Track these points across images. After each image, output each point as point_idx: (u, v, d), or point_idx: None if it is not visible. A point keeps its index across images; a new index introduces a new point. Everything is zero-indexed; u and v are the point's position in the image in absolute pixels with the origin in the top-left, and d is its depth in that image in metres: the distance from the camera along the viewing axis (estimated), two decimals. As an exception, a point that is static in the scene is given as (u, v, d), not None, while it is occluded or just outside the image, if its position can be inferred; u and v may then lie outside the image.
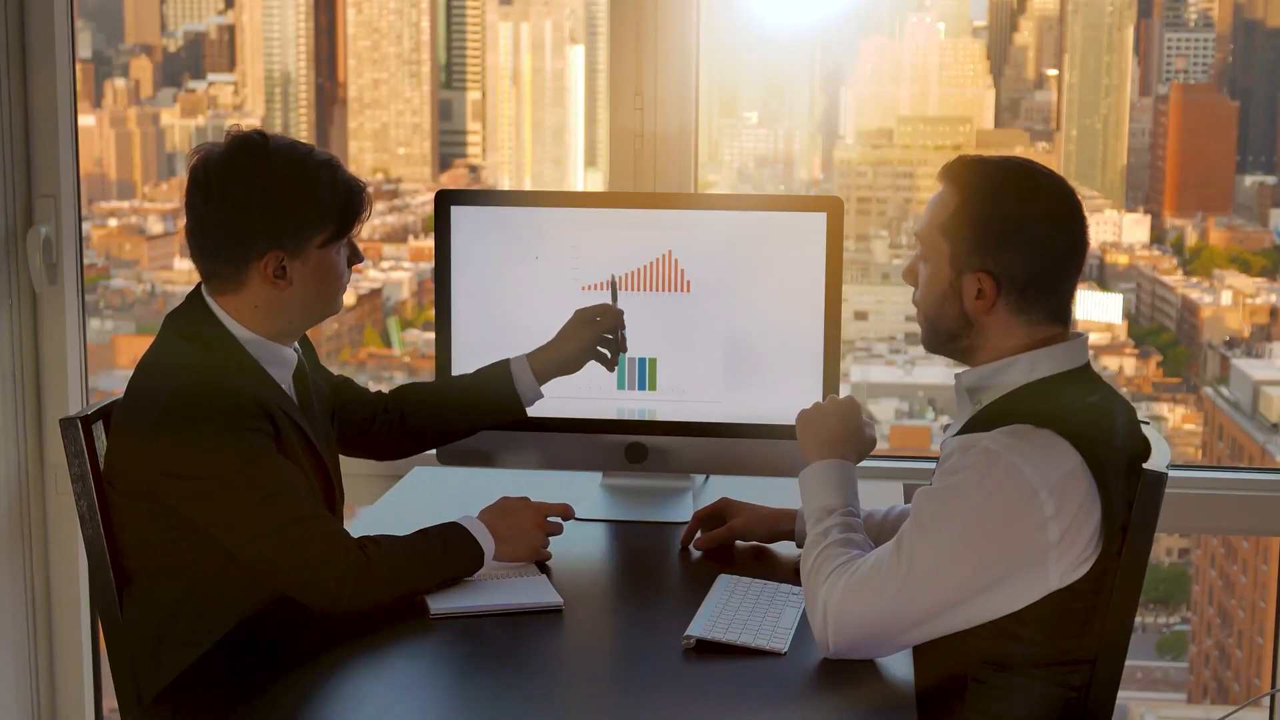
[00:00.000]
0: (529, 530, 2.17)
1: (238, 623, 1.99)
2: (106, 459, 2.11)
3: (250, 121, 2.04)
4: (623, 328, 2.39)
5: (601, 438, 2.56)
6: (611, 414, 2.56)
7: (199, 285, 2.13)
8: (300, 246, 2.07)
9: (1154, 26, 6.35)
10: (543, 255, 2.53)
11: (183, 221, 2.10)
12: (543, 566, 2.18)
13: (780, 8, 5.13)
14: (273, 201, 2.04)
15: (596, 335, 2.40)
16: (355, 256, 2.17)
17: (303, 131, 7.10)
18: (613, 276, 2.44)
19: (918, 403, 6.55)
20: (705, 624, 1.92)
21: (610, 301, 2.41)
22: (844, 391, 2.34)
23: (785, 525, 2.29)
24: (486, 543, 2.11)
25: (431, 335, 2.59)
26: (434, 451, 2.59)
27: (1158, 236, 6.48)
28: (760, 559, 2.27)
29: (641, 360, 2.54)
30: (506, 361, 2.41)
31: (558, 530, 2.22)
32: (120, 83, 7.06)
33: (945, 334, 1.93)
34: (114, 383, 4.05)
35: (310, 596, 1.98)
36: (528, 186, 6.98)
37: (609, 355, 2.41)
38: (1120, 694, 1.88)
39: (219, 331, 2.08)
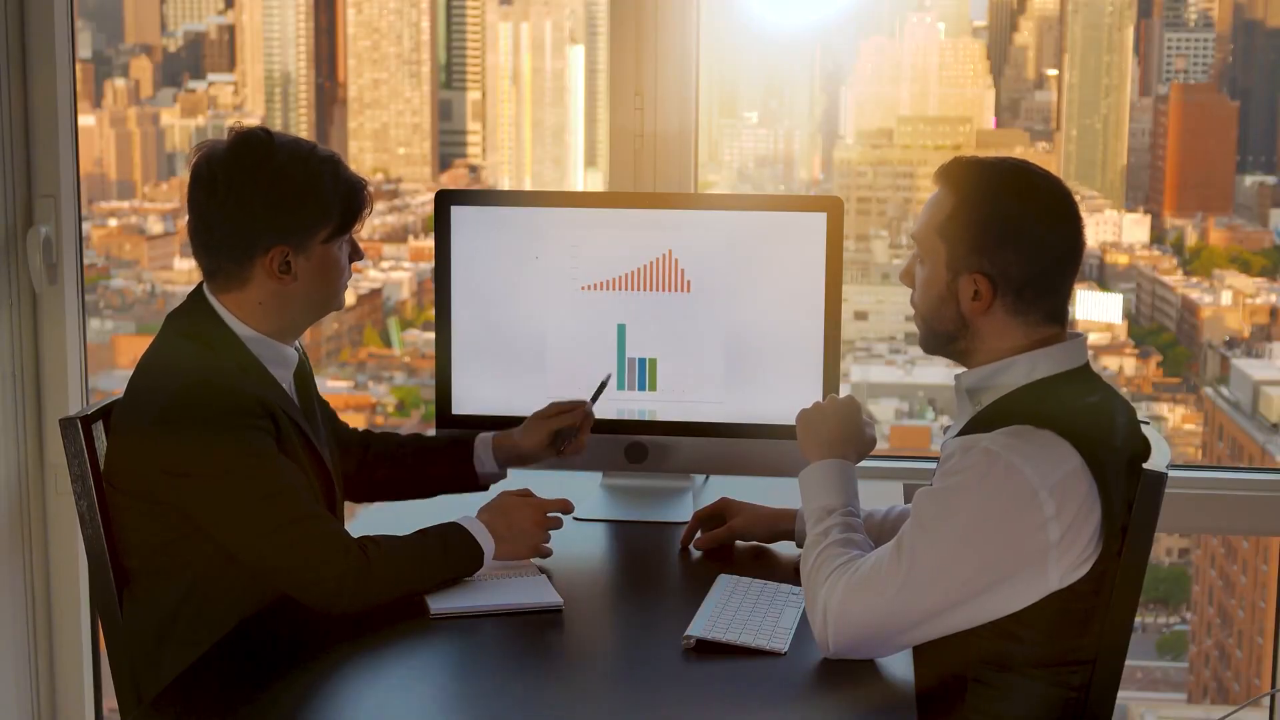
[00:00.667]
0: (529, 529, 2.17)
1: (238, 623, 1.99)
2: (107, 458, 2.11)
3: (250, 121, 2.05)
4: (584, 431, 2.39)
5: (601, 438, 2.56)
6: (611, 414, 2.56)
7: (200, 285, 2.13)
8: (304, 241, 2.07)
9: (1154, 26, 6.35)
10: (543, 255, 2.53)
11: (183, 221, 2.10)
12: (543, 565, 2.18)
13: (780, 8, 5.13)
14: (277, 197, 2.04)
15: (553, 433, 2.39)
16: (356, 254, 2.18)
17: (303, 131, 7.10)
18: (607, 376, 2.42)
19: (918, 403, 6.56)
20: (705, 624, 1.92)
21: (590, 398, 2.39)
22: (844, 391, 2.33)
23: (785, 525, 2.29)
24: (486, 542, 2.11)
25: (431, 335, 2.59)
26: (434, 451, 2.59)
27: (1158, 236, 6.48)
28: (760, 559, 2.27)
29: (641, 360, 2.54)
30: (472, 439, 2.39)
31: (558, 525, 2.22)
32: (120, 83, 7.07)
33: (942, 335, 1.93)
34: (114, 383, 4.06)
35: (310, 596, 1.98)
36: (528, 186, 6.98)
37: (561, 449, 2.40)
38: (1120, 694, 1.88)
39: (221, 330, 2.08)
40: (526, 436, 2.39)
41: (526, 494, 2.25)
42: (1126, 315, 6.37)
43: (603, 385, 2.41)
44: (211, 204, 2.05)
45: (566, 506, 2.25)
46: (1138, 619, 2.03)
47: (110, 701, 3.14)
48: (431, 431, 2.56)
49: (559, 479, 2.63)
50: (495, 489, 2.38)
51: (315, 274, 2.10)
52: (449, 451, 2.41)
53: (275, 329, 2.11)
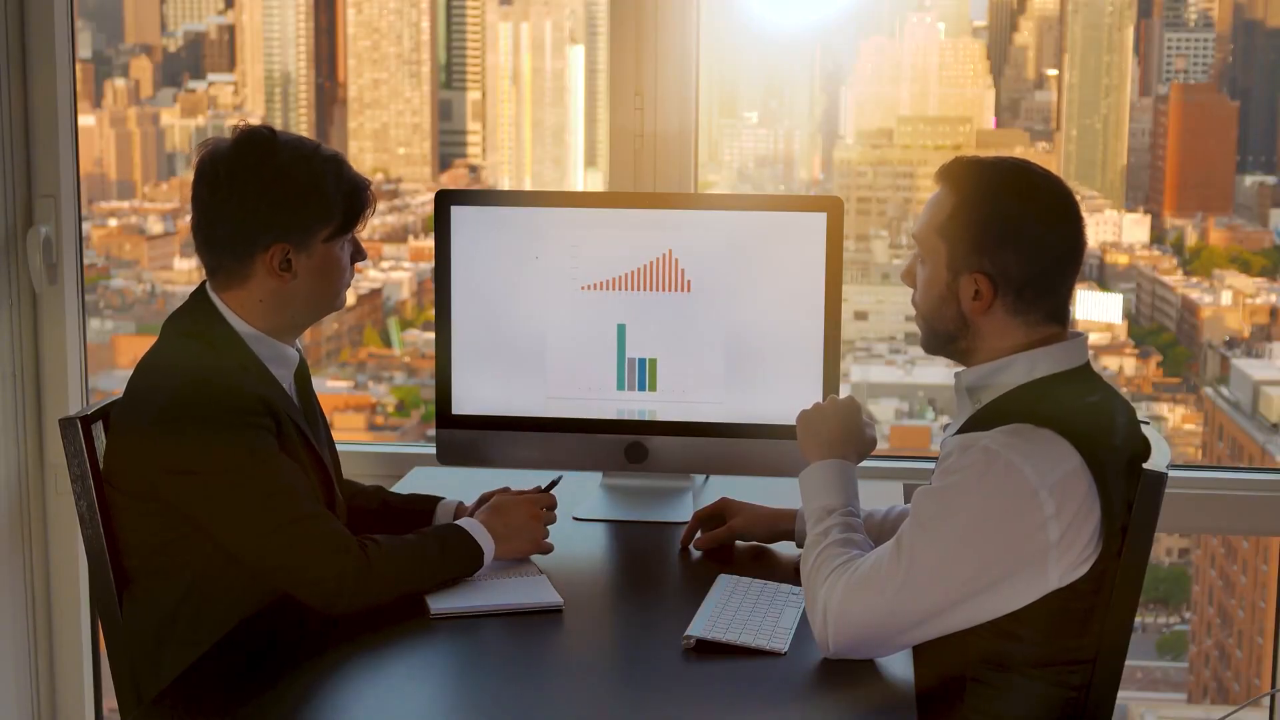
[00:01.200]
0: (527, 524, 2.17)
1: (238, 623, 1.99)
2: (106, 458, 2.11)
3: (252, 121, 2.04)
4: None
5: (601, 438, 2.56)
6: (611, 414, 2.56)
7: (202, 284, 2.13)
8: (306, 240, 2.08)
9: (1154, 26, 6.35)
10: (543, 255, 2.53)
11: (183, 221, 2.11)
12: (543, 565, 2.18)
13: (780, 8, 5.13)
14: (280, 194, 2.05)
15: None
16: (359, 254, 2.18)
17: (303, 131, 7.09)
18: (559, 477, 2.36)
19: (918, 403, 6.55)
20: (705, 624, 1.92)
21: (543, 487, 2.32)
22: (844, 391, 2.34)
23: (785, 525, 2.29)
24: (485, 542, 2.11)
25: (431, 335, 2.60)
26: (434, 451, 2.59)
27: (1158, 236, 6.48)
28: (760, 559, 2.27)
29: (641, 360, 2.54)
30: (433, 507, 2.36)
31: (552, 520, 2.23)
32: (120, 83, 7.07)
33: (943, 335, 1.93)
34: (114, 383, 4.05)
35: (310, 596, 1.98)
36: (528, 186, 6.98)
37: None
38: (1120, 694, 1.88)
39: (223, 328, 2.08)
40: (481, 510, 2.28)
41: (520, 495, 2.25)
42: (1126, 315, 6.37)
43: (553, 483, 2.34)
44: (215, 200, 2.06)
45: (550, 500, 2.25)
46: (1138, 619, 2.03)
47: (110, 701, 3.14)
48: (431, 433, 2.56)
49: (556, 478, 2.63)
50: (476, 489, 2.38)
51: (316, 273, 2.10)
52: (408, 516, 2.35)
53: (276, 327, 2.11)
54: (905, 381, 6.53)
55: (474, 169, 7.26)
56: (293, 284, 2.09)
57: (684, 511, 2.48)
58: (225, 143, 2.08)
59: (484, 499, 2.32)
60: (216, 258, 2.09)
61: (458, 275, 2.54)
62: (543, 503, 2.23)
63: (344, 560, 1.96)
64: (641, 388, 2.55)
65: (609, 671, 1.90)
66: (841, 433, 2.03)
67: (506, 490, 2.30)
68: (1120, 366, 6.25)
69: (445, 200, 2.55)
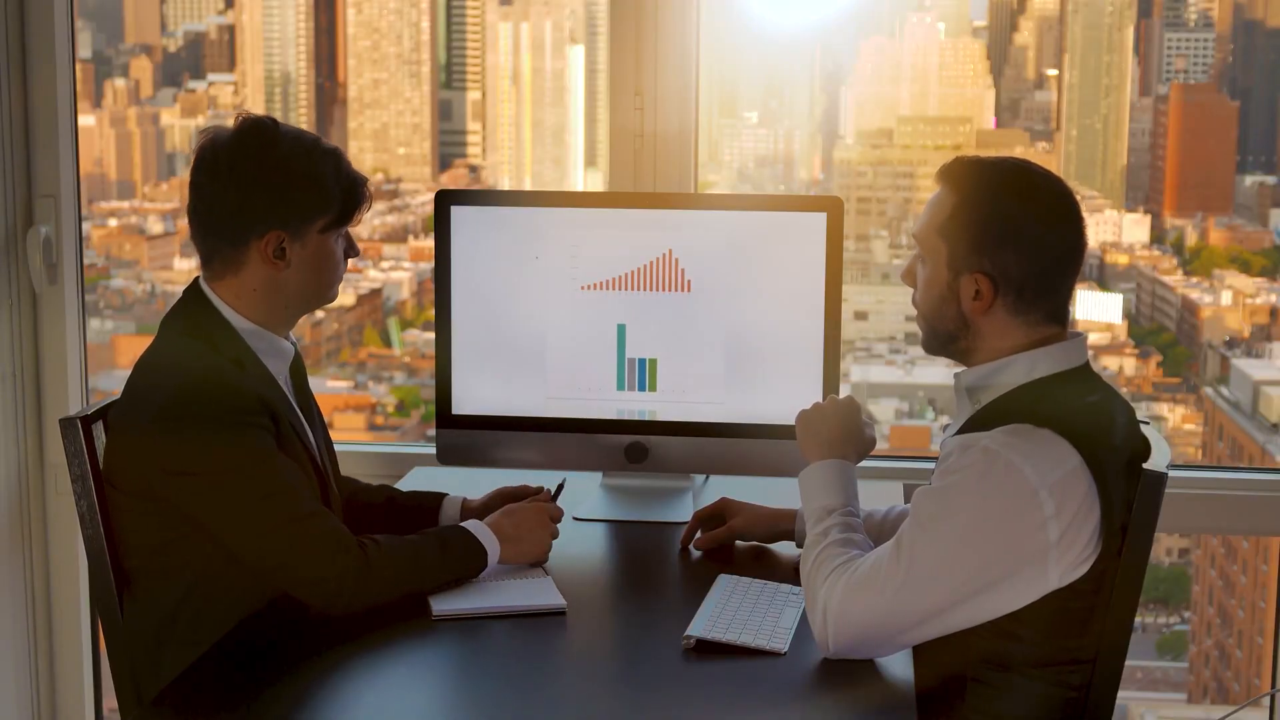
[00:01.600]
0: (535, 529, 2.17)
1: (238, 623, 1.99)
2: (106, 458, 2.11)
3: (253, 111, 2.06)
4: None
5: (601, 438, 2.56)
6: (611, 414, 2.56)
7: (195, 280, 2.14)
8: (302, 229, 2.09)
9: (1154, 26, 6.36)
10: (543, 255, 2.53)
11: (183, 221, 2.11)
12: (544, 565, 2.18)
13: (780, 8, 5.14)
14: (278, 182, 2.06)
15: None
16: (352, 250, 2.19)
17: (303, 131, 7.09)
18: (564, 479, 2.38)
19: (918, 403, 6.56)
20: (705, 624, 1.92)
21: (552, 493, 2.33)
22: (844, 391, 2.33)
23: (785, 525, 2.29)
24: (490, 543, 2.11)
25: (431, 335, 2.60)
26: (434, 451, 2.59)
27: (1158, 236, 6.49)
28: (760, 559, 2.27)
29: (641, 360, 2.54)
30: (438, 505, 2.36)
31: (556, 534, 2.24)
32: (120, 83, 7.07)
33: (944, 335, 1.93)
34: (114, 383, 4.05)
35: (310, 595, 1.98)
36: (528, 186, 6.98)
37: None
38: (1120, 694, 1.88)
39: (219, 325, 2.09)
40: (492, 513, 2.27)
41: (534, 502, 2.24)
42: (1126, 315, 6.38)
43: (560, 488, 2.35)
44: (214, 186, 2.07)
45: (559, 514, 2.26)
46: (1138, 619, 2.03)
47: (110, 701, 3.14)
48: (431, 433, 2.56)
49: (559, 477, 2.63)
50: (476, 489, 2.38)
51: (309, 263, 2.11)
52: (416, 510, 2.36)
53: (268, 318, 2.12)
54: (905, 381, 6.54)
55: (474, 169, 7.27)
56: (286, 273, 2.09)
57: (684, 511, 2.48)
58: (226, 131, 2.09)
59: (504, 496, 2.33)
60: (212, 244, 2.10)
61: (458, 275, 2.54)
62: (555, 512, 2.23)
63: (344, 560, 1.96)
64: (641, 388, 2.55)
65: (609, 672, 1.90)
66: (841, 433, 2.03)
67: (526, 488, 2.32)
68: (1120, 366, 6.26)
69: (445, 200, 2.55)
